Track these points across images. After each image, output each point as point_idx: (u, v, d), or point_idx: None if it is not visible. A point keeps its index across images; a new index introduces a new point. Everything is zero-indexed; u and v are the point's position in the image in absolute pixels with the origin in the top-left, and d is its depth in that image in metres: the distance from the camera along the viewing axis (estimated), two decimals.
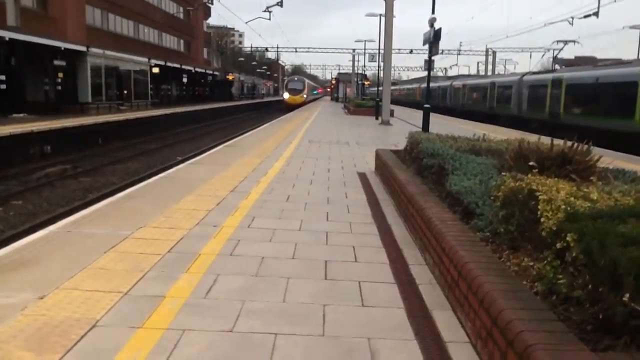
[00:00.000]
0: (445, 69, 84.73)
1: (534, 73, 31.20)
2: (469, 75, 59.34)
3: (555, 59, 33.35)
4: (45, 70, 29.53)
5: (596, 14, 30.18)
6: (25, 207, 11.96)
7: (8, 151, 16.86)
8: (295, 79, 67.38)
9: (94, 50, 32.15)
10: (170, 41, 55.95)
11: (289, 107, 53.54)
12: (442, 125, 21.27)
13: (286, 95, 62.32)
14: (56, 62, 29.58)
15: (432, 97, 50.19)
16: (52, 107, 28.34)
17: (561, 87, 25.01)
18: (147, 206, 6.81)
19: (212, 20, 77.59)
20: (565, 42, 32.04)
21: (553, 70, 27.72)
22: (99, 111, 30.13)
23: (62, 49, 28.67)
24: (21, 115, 24.43)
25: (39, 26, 28.23)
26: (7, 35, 23.60)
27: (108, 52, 34.00)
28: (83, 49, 31.14)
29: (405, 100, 69.40)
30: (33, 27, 27.15)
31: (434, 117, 23.81)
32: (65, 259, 4.65)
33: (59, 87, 30.40)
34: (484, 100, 37.32)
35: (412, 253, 5.10)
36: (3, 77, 25.66)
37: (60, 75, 30.37)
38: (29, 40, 25.21)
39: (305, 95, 62.81)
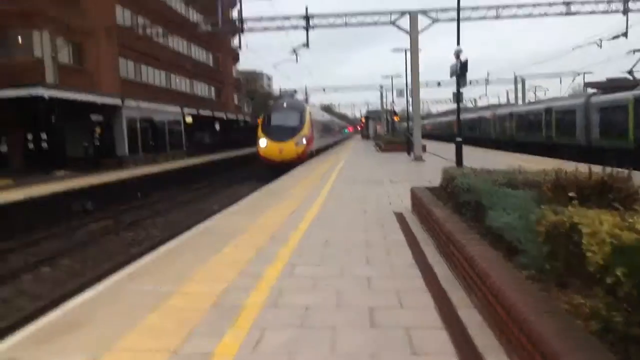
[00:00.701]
0: (475, 99, 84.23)
1: (605, 93, 26.21)
2: (510, 104, 56.40)
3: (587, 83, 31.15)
4: (84, 126, 30.58)
5: (625, 34, 29.48)
6: (72, 266, 12.26)
7: (52, 209, 17.37)
8: (284, 104, 32.98)
9: (129, 102, 33.16)
10: (202, 89, 57.31)
11: (271, 167, 28.28)
12: (477, 158, 21.07)
13: (263, 143, 29.72)
14: (93, 117, 30.69)
15: (472, 129, 49.08)
16: (92, 162, 29.21)
17: None
18: (189, 259, 6.91)
19: (241, 65, 79.22)
20: None
21: (632, 87, 23.07)
22: (136, 163, 30.92)
23: (99, 103, 29.68)
24: (62, 172, 25.23)
25: (76, 81, 29.35)
26: (47, 93, 24.57)
27: (142, 104, 35.00)
28: (118, 102, 32.17)
29: (441, 134, 65.15)
30: (70, 82, 28.22)
31: (468, 150, 23.62)
32: (115, 319, 4.74)
33: (97, 142, 31.43)
34: (539, 129, 32.77)
35: (457, 294, 5.03)
36: (44, 136, 26.78)
37: (98, 130, 31.46)
38: (67, 98, 26.19)
39: (304, 141, 30.16)
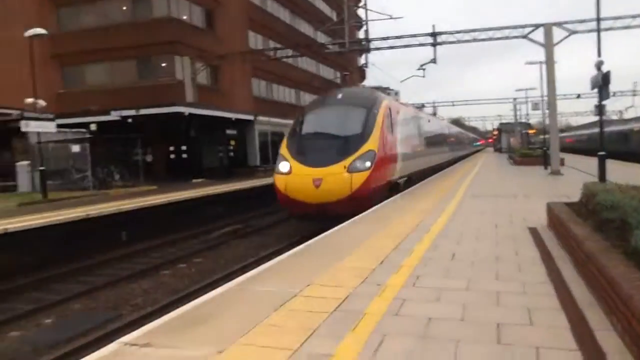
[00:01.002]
0: (620, 111, 77.72)
1: None
2: None
3: None
4: (219, 139, 32.78)
5: None
6: (205, 265, 13.03)
7: (189, 212, 18.57)
8: (338, 96, 17.25)
9: (260, 118, 35.03)
10: None
11: (299, 216, 15.59)
12: (622, 173, 19.33)
13: (284, 167, 14.38)
14: (228, 131, 32.85)
15: (619, 142, 44.97)
16: (226, 172, 31.12)
17: None
18: (313, 264, 7.01)
19: (368, 82, 79.80)
20: None
21: None
22: (266, 173, 32.31)
23: (233, 119, 31.70)
24: (200, 180, 27.10)
25: (212, 100, 31.50)
26: (187, 110, 26.77)
27: (273, 119, 36.80)
28: (251, 118, 34.08)
29: (583, 147, 57.86)
30: (207, 100, 30.37)
31: (613, 165, 21.87)
32: (240, 316, 4.92)
33: (231, 153, 33.51)
34: None
35: (595, 316, 4.59)
36: (184, 148, 29.18)
37: (232, 142, 33.53)
38: (205, 114, 28.29)
39: (369, 163, 14.20)
